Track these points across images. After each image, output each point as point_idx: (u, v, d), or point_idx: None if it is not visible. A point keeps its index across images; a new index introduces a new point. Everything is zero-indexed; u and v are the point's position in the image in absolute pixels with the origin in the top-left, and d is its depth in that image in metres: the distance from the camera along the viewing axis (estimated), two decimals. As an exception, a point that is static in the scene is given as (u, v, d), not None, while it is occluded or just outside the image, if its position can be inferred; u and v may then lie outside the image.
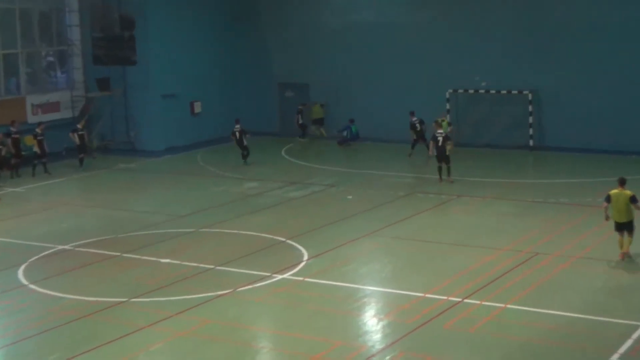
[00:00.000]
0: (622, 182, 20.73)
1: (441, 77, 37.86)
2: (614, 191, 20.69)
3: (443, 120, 33.51)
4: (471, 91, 37.58)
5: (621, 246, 20.73)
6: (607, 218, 20.71)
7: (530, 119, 36.34)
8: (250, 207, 27.99)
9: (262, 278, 20.31)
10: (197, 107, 41.09)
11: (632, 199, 20.38)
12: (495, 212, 26.37)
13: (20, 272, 21.54)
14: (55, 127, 37.00)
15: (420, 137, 35.43)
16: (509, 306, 17.94)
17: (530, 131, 36.41)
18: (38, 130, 34.68)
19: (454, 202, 27.80)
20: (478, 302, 18.23)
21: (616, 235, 20.79)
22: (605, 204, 20.77)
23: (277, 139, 41.30)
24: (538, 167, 34.80)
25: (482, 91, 37.34)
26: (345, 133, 38.61)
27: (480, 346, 16.11)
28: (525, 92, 36.31)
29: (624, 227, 20.65)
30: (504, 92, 36.82)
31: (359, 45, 39.94)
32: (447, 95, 37.65)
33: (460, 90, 37.74)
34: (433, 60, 38.24)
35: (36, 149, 34.22)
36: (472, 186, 29.94)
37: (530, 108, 36.26)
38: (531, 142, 36.44)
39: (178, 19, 40.04)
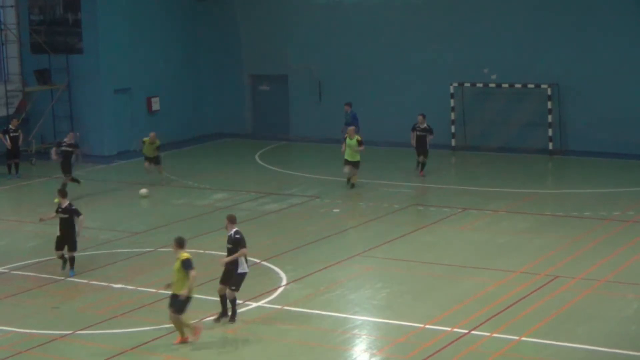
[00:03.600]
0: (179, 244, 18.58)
1: (444, 68, 38.04)
2: None
3: (351, 139, 31.26)
4: (480, 85, 37.72)
5: None
6: None
7: (550, 118, 36.53)
8: (219, 222, 27.87)
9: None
10: (155, 104, 41.12)
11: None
12: (508, 229, 26.49)
13: (-59, 300, 21.63)
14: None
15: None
16: (524, 339, 18.00)
17: (550, 132, 36.62)
18: None
19: (460, 216, 27.90)
20: (488, 334, 18.30)
21: None
22: None
23: (250, 141, 41.36)
24: (559, 174, 35.03)
25: (492, 85, 37.46)
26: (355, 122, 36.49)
27: (490, 386, 16.26)
28: (543, 86, 36.48)
29: None
30: (518, 86, 36.96)
31: (348, 28, 40.13)
32: (452, 90, 37.80)
33: (467, 84, 37.87)
34: (434, 48, 38.43)
35: None
36: (481, 197, 30.11)
37: (549, 105, 36.45)
38: (550, 146, 36.70)
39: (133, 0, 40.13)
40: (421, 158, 33.00)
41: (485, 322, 18.90)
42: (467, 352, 17.49)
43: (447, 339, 18.09)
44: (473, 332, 18.41)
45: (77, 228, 23.20)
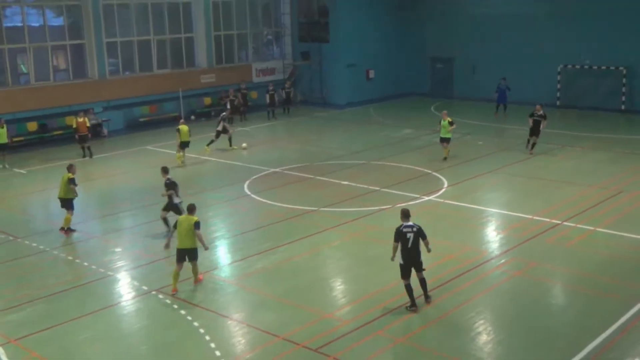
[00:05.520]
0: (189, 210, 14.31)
1: (554, 55, 36.24)
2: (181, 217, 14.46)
3: (444, 120, 25.11)
4: (577, 67, 35.72)
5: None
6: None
7: (623, 89, 34.34)
8: (407, 147, 27.91)
9: (414, 198, 20.38)
10: (371, 74, 40.97)
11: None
12: (592, 159, 25.23)
13: (245, 186, 22.46)
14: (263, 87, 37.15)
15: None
16: (598, 229, 17.32)
17: (623, 98, 34.46)
18: (270, 87, 35.74)
19: (560, 150, 26.74)
20: (574, 224, 17.70)
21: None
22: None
23: (428, 98, 40.77)
24: (628, 126, 32.84)
25: (586, 67, 35.45)
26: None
27: (573, 257, 15.70)
28: (620, 68, 34.26)
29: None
30: (603, 67, 34.80)
31: (492, 29, 38.56)
32: (559, 70, 36.00)
33: (569, 66, 35.95)
34: (548, 42, 36.52)
35: (268, 101, 35.38)
36: (575, 138, 28.73)
37: (624, 81, 34.24)
38: (623, 107, 34.53)
39: (359, 9, 39.60)
40: (533, 139, 25.83)
41: (572, 217, 18.24)
42: (559, 235, 17.00)
43: (546, 226, 17.62)
44: (564, 223, 17.83)
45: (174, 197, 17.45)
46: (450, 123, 25.00)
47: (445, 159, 25.16)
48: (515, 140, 28.65)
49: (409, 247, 12.82)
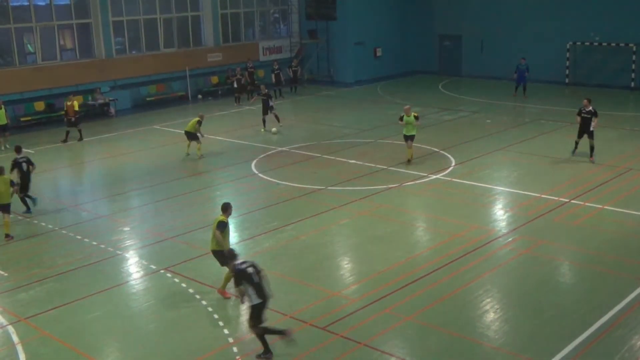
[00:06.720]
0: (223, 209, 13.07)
1: (563, 32, 35.92)
2: None
3: (408, 116, 21.38)
4: (587, 43, 35.41)
5: None
6: None
7: (633, 66, 33.98)
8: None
9: (421, 177, 20.35)
10: (379, 52, 40.73)
11: None
12: (601, 137, 24.95)
13: (252, 165, 22.46)
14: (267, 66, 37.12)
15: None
16: (606, 207, 17.26)
17: (632, 75, 34.12)
18: (275, 65, 35.58)
19: (569, 127, 26.52)
20: (582, 203, 17.63)
21: None
22: None
23: (437, 76, 40.58)
24: (638, 103, 32.61)
25: (595, 43, 35.14)
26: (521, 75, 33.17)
27: (581, 235, 15.66)
28: (630, 45, 33.92)
29: None
30: (613, 44, 34.48)
31: (500, 6, 38.26)
32: (568, 47, 35.70)
33: (578, 43, 35.63)
34: (557, 19, 36.20)
35: (273, 80, 35.26)
36: (583, 116, 28.64)
37: (633, 58, 33.87)
38: (632, 84, 34.21)
39: (367, -13, 39.54)
40: (590, 142, 21.39)
41: (580, 195, 18.19)
42: (567, 214, 16.94)
43: (554, 205, 17.56)
44: (572, 201, 17.78)
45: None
46: (416, 118, 21.37)
47: (409, 160, 21.81)
48: (523, 118, 28.50)
49: (258, 281, 10.71)
